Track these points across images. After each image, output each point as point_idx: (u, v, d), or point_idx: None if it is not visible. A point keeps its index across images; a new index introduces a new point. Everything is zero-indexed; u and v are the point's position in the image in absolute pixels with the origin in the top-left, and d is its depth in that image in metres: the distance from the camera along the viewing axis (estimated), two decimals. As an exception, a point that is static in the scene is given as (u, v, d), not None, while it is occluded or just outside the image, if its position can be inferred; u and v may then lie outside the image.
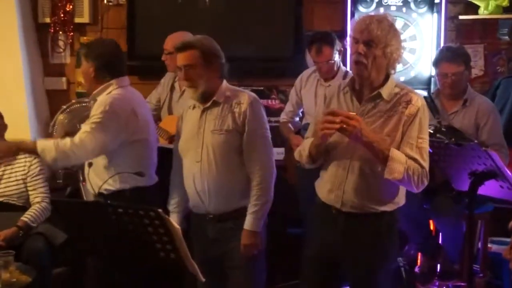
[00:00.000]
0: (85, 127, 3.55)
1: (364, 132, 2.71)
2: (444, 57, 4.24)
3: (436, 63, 4.31)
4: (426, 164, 2.83)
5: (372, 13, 4.74)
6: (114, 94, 3.64)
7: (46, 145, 3.51)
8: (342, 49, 4.70)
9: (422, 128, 2.88)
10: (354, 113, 2.76)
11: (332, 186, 2.97)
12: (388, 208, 2.96)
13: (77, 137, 3.45)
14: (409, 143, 2.82)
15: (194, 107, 3.33)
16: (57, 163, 3.61)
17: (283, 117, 4.80)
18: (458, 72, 4.11)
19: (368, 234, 2.95)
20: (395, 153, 2.74)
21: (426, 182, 2.84)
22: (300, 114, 4.77)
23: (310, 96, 4.54)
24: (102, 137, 3.46)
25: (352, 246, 2.96)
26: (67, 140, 3.51)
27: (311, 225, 3.29)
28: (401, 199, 3.04)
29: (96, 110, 3.55)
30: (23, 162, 4.25)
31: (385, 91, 2.86)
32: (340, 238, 2.97)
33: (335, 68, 4.50)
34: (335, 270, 3.07)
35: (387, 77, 2.90)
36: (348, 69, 4.58)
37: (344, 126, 2.69)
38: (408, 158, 2.76)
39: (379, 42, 2.80)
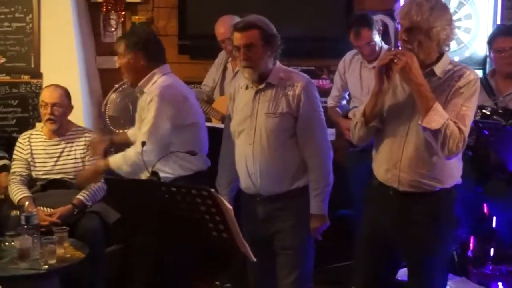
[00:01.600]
0: (143, 130, 3.60)
1: (415, 71, 2.74)
2: (499, 32, 4.21)
3: (491, 40, 4.24)
4: (466, 130, 2.79)
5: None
6: (161, 83, 3.66)
7: (118, 162, 3.60)
8: (381, 28, 4.69)
9: (469, 98, 2.86)
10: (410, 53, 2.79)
11: (388, 165, 2.97)
12: (445, 185, 2.94)
13: (138, 145, 3.46)
14: (453, 110, 2.81)
15: (247, 88, 3.32)
16: (134, 173, 3.61)
17: (329, 102, 4.77)
18: None
19: (424, 214, 2.94)
20: (439, 106, 2.74)
21: (461, 148, 2.80)
22: (347, 97, 4.74)
23: (355, 79, 4.52)
24: (160, 135, 3.53)
25: (408, 227, 2.96)
26: (131, 151, 3.59)
27: (365, 207, 3.26)
28: (458, 176, 3.02)
29: (148, 105, 3.60)
30: (82, 141, 4.29)
31: (438, 69, 2.86)
32: (396, 219, 2.97)
33: (377, 49, 4.44)
34: (391, 251, 3.07)
35: (441, 55, 2.90)
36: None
37: (396, 60, 2.75)
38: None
39: (420, 27, 2.81)
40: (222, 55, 4.75)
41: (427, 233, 2.97)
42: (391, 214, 3.00)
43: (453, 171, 2.97)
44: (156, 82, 3.67)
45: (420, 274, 3.06)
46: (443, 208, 3.00)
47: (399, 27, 2.91)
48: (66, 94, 4.30)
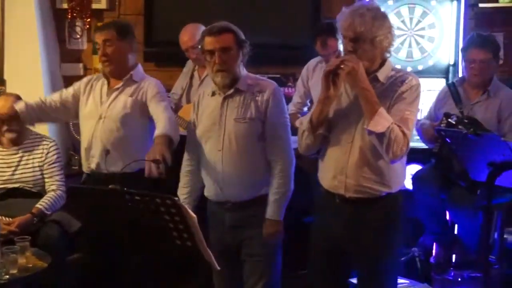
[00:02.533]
0: (161, 105, 3.72)
1: (361, 76, 2.77)
2: (473, 43, 4.22)
3: (465, 48, 4.29)
4: (409, 134, 2.86)
5: (392, 8, 5.04)
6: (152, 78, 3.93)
7: (172, 132, 3.55)
8: None
9: (412, 102, 2.91)
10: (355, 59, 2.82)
11: (335, 172, 2.98)
12: (391, 190, 2.96)
13: (166, 115, 3.61)
14: (397, 114, 2.84)
15: (213, 94, 3.32)
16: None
17: (291, 108, 4.73)
18: (486, 59, 4.08)
19: (372, 221, 2.97)
20: (384, 111, 2.78)
21: (404, 152, 2.85)
22: (309, 104, 4.71)
23: (319, 87, 4.41)
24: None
25: (358, 234, 2.98)
26: (164, 122, 3.58)
27: (315, 216, 3.29)
28: (402, 182, 3.07)
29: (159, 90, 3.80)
30: (40, 149, 4.26)
31: (381, 75, 2.90)
32: (344, 227, 2.99)
33: None
34: (342, 258, 3.09)
35: (384, 61, 2.94)
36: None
37: (343, 66, 2.77)
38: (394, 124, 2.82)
39: (365, 37, 2.84)
40: (189, 64, 4.74)
41: (377, 239, 2.98)
42: (340, 222, 3.01)
43: (398, 176, 3.01)
44: (147, 76, 3.89)
45: (370, 280, 3.08)
46: (391, 213, 3.03)
47: (342, 38, 2.96)
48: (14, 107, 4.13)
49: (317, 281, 3.21)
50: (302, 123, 3.08)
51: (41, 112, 3.92)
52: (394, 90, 2.90)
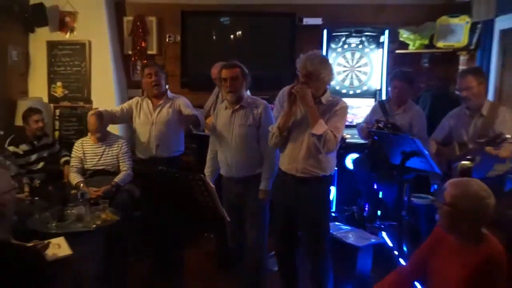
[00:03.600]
0: (190, 108, 4.03)
1: (308, 99, 2.91)
2: (395, 76, 4.30)
3: (391, 79, 4.34)
4: (338, 136, 2.96)
5: (342, 52, 5.14)
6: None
7: (199, 116, 3.95)
8: None
9: (342, 117, 3.03)
10: (306, 86, 2.93)
11: (290, 160, 3.10)
12: (326, 173, 3.10)
13: (195, 112, 3.97)
14: (332, 124, 2.96)
15: (226, 108, 3.41)
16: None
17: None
18: (403, 87, 4.20)
19: (312, 192, 3.09)
20: (322, 121, 2.92)
21: (334, 148, 2.97)
22: None
23: None
24: None
25: (303, 201, 3.09)
26: (194, 112, 3.97)
27: (274, 192, 3.32)
28: (333, 168, 3.19)
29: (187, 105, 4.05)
30: (116, 145, 4.38)
31: (323, 99, 3.05)
32: (294, 195, 3.10)
33: None
34: (293, 217, 3.17)
35: (325, 91, 3.06)
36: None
37: (295, 91, 2.93)
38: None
39: (313, 74, 2.96)
40: (216, 88, 4.68)
41: (317, 203, 3.12)
42: (291, 192, 3.10)
43: (330, 164, 3.12)
44: (175, 95, 4.21)
45: (313, 230, 3.15)
46: (324, 189, 3.15)
47: (299, 73, 3.04)
48: (100, 119, 4.22)
49: (277, 234, 3.30)
50: (273, 128, 3.11)
51: (111, 119, 4.19)
52: (331, 109, 3.02)
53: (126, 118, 4.21)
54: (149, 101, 4.05)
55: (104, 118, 4.09)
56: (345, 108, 3.10)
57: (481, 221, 2.15)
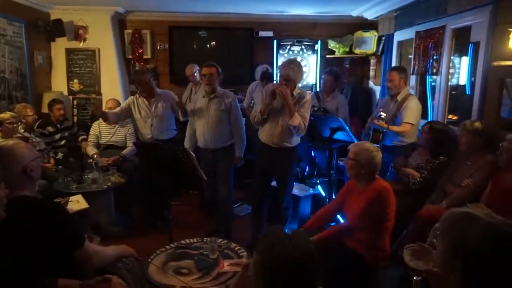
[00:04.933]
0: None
1: (287, 97, 2.88)
2: (326, 72, 4.28)
3: (323, 73, 4.32)
4: (306, 124, 2.99)
5: (287, 56, 5.03)
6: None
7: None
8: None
9: (307, 107, 3.03)
10: (287, 88, 2.88)
11: (267, 134, 3.10)
12: (292, 145, 3.13)
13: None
14: (301, 114, 2.96)
15: (204, 97, 3.31)
16: None
17: (244, 105, 4.60)
18: (331, 80, 4.15)
19: (285, 157, 3.08)
20: (297, 114, 2.91)
21: (303, 132, 3.01)
22: (253, 102, 4.59)
23: (258, 95, 4.34)
24: None
25: (278, 162, 3.13)
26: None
27: (257, 156, 3.30)
28: (297, 141, 3.18)
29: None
30: (126, 127, 4.22)
31: (294, 92, 3.01)
32: (269, 159, 3.14)
33: None
34: (269, 173, 3.22)
35: (295, 86, 3.02)
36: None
37: (278, 92, 2.90)
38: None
39: (291, 78, 2.95)
40: (190, 84, 4.61)
41: (285, 165, 3.16)
42: (268, 156, 3.14)
43: (295, 139, 3.14)
44: (162, 90, 3.81)
45: (282, 182, 3.21)
46: (291, 155, 3.17)
47: (279, 76, 3.02)
48: (117, 103, 4.20)
49: (256, 185, 3.29)
50: (256, 111, 3.10)
51: (117, 118, 3.79)
52: (300, 101, 2.99)
53: (127, 115, 3.79)
54: (144, 99, 3.65)
55: (110, 117, 3.67)
56: (309, 100, 3.07)
57: (373, 167, 2.28)
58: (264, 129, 3.14)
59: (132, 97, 3.76)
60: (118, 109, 3.83)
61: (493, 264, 0.85)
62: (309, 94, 3.09)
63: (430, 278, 1.03)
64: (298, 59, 5.10)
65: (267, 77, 4.61)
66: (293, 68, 2.94)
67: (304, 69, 5.20)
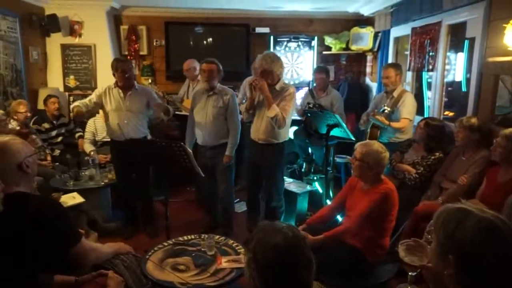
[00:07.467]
0: (158, 99, 3.50)
1: (264, 89, 2.90)
2: (316, 70, 4.35)
3: (313, 73, 4.41)
4: (286, 116, 2.93)
5: (284, 53, 5.00)
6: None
7: (167, 107, 3.43)
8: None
9: (289, 100, 2.96)
10: (263, 80, 2.88)
11: (255, 130, 3.14)
12: (279, 141, 3.13)
13: (161, 100, 3.51)
14: (282, 107, 2.94)
15: (203, 93, 3.27)
16: None
17: (237, 101, 4.03)
18: (322, 78, 4.21)
19: (271, 153, 3.15)
20: (275, 105, 2.91)
21: (283, 125, 2.94)
22: (246, 97, 4.22)
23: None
24: None
25: (265, 159, 3.14)
26: (162, 101, 3.55)
27: (250, 151, 3.33)
28: (285, 137, 3.15)
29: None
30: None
31: (277, 86, 3.01)
32: (259, 154, 3.16)
33: None
34: (259, 170, 3.24)
35: (279, 79, 3.01)
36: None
37: (254, 84, 2.92)
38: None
39: (268, 70, 2.94)
40: (187, 80, 4.54)
41: (273, 161, 3.16)
42: (257, 152, 3.17)
43: (281, 135, 3.13)
44: (142, 86, 3.63)
45: (271, 179, 3.24)
46: (279, 151, 3.17)
47: (258, 69, 3.00)
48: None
49: (248, 178, 3.36)
50: (243, 108, 3.21)
51: (90, 108, 3.33)
52: (282, 94, 2.98)
53: (99, 106, 3.44)
54: (120, 90, 3.30)
55: (84, 112, 3.30)
56: (292, 93, 3.01)
57: (380, 169, 2.24)
58: (252, 125, 3.17)
59: (106, 86, 3.38)
60: (86, 100, 3.32)
61: (486, 259, 0.85)
62: (293, 87, 3.04)
63: (425, 274, 1.02)
64: (295, 56, 5.15)
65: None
66: (266, 59, 2.92)
67: (301, 65, 5.28)
